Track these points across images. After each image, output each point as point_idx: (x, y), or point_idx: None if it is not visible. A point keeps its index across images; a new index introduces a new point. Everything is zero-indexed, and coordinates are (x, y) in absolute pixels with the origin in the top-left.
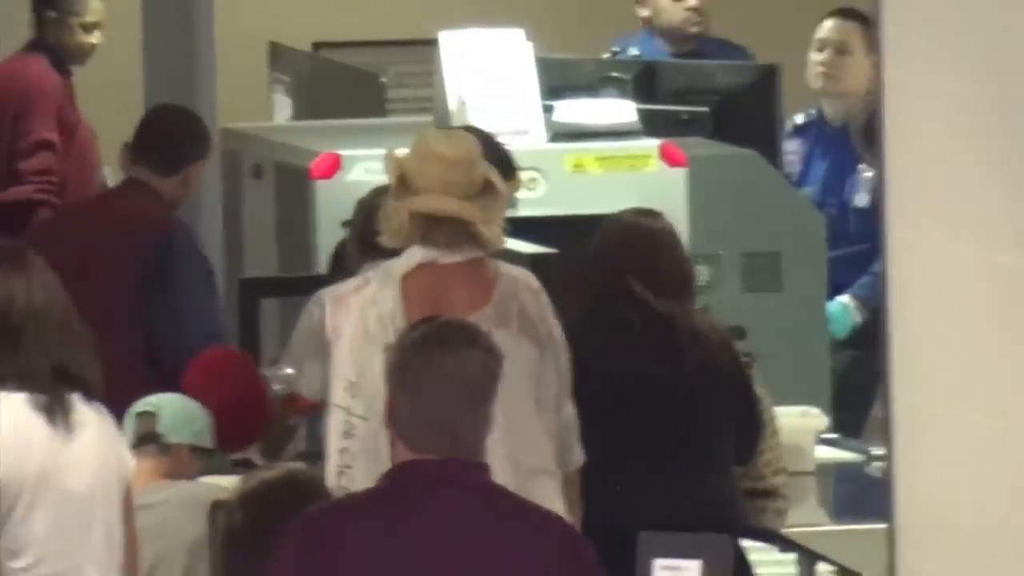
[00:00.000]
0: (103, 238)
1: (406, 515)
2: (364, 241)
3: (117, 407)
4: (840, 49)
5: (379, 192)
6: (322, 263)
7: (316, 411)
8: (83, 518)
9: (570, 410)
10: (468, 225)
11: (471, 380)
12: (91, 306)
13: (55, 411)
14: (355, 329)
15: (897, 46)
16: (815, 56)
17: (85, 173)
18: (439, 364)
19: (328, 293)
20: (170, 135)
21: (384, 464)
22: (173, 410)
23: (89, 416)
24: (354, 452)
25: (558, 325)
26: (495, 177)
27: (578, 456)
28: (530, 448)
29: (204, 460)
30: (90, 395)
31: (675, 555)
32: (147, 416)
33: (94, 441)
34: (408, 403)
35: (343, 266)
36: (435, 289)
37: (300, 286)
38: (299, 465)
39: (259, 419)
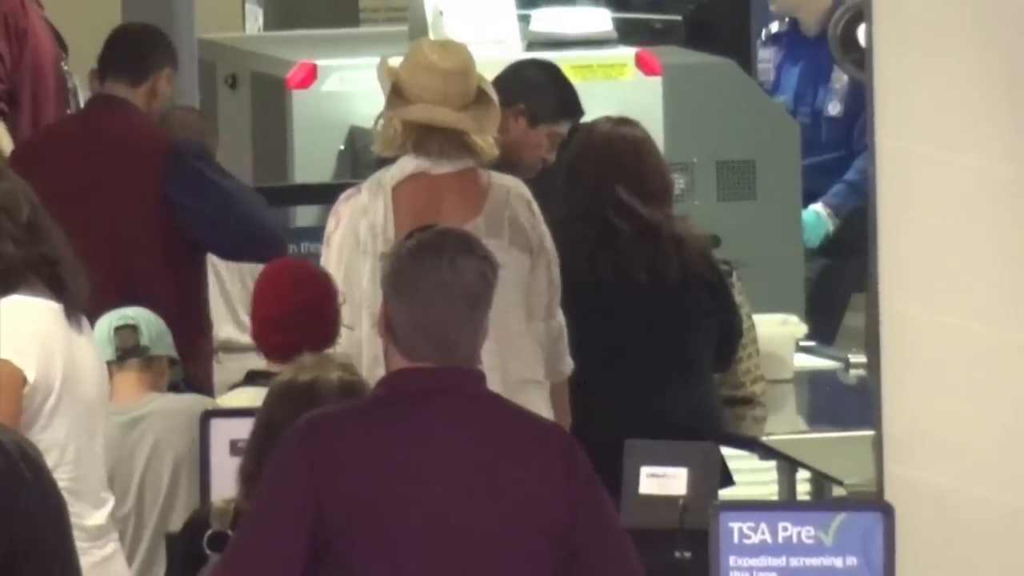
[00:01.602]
0: (99, 162)
1: (404, 422)
2: None
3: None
4: None
5: None
6: (299, 173)
7: None
8: (91, 425)
9: (560, 319)
10: (461, 135)
11: (467, 288)
12: (102, 228)
13: (72, 317)
14: (343, 237)
15: None
16: None
17: (40, 83)
18: (435, 272)
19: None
20: (134, 45)
21: (368, 373)
22: (151, 322)
23: (83, 325)
24: None
25: (548, 234)
26: (488, 87)
27: (567, 365)
28: (520, 357)
29: (173, 372)
30: (76, 305)
31: (661, 463)
32: (129, 329)
33: (93, 350)
34: (404, 311)
35: None
36: (426, 199)
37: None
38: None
39: (336, 316)
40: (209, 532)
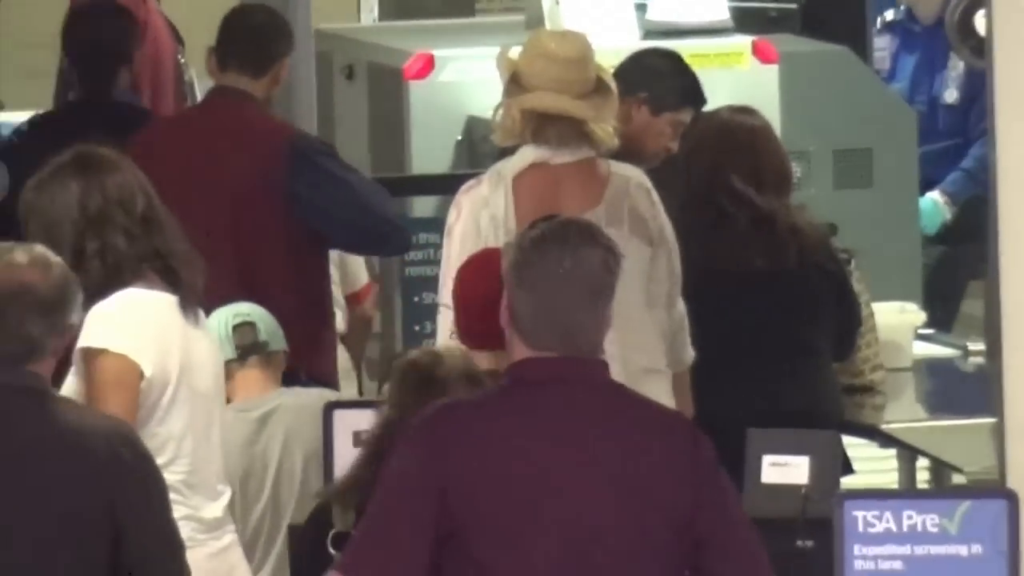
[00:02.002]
0: (220, 155)
1: (529, 411)
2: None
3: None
4: None
5: None
6: (416, 164)
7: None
8: (208, 419)
9: (681, 308)
10: (580, 124)
11: (590, 278)
12: (223, 222)
13: (187, 310)
14: (465, 228)
15: None
16: None
17: (159, 75)
18: (559, 262)
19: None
20: (255, 36)
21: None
22: (265, 318)
23: (201, 317)
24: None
25: (669, 223)
26: (607, 76)
27: (689, 354)
28: (641, 347)
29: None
30: (191, 298)
31: (783, 451)
32: (248, 327)
33: (209, 342)
34: (527, 301)
35: None
36: (546, 189)
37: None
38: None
39: None
40: (333, 532)
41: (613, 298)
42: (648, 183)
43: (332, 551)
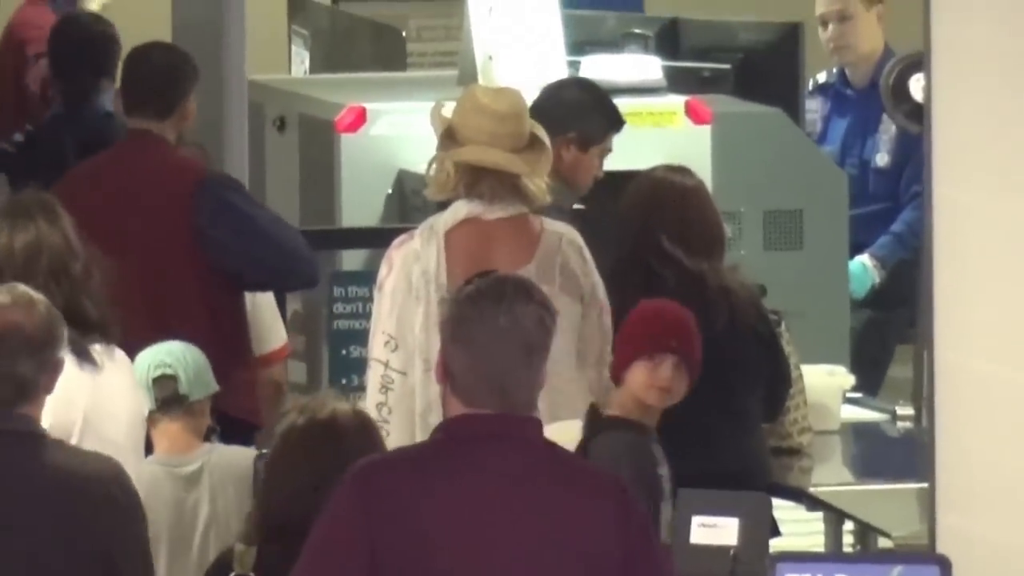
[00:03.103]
0: (130, 199)
1: (462, 468)
2: None
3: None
4: (841, 16)
5: None
6: (346, 217)
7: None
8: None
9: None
10: (514, 178)
11: (526, 335)
12: (134, 264)
13: (85, 356)
14: (396, 283)
15: (943, 5)
16: (821, 33)
17: None
18: (494, 319)
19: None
20: (155, 78)
21: (420, 420)
22: (188, 366)
23: (116, 361)
24: (391, 406)
25: (600, 282)
26: (541, 132)
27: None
28: (570, 404)
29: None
30: (109, 340)
31: (713, 512)
32: (167, 380)
33: (123, 388)
34: (462, 358)
35: None
36: (478, 245)
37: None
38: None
39: None
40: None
41: (548, 355)
42: (580, 241)
43: None
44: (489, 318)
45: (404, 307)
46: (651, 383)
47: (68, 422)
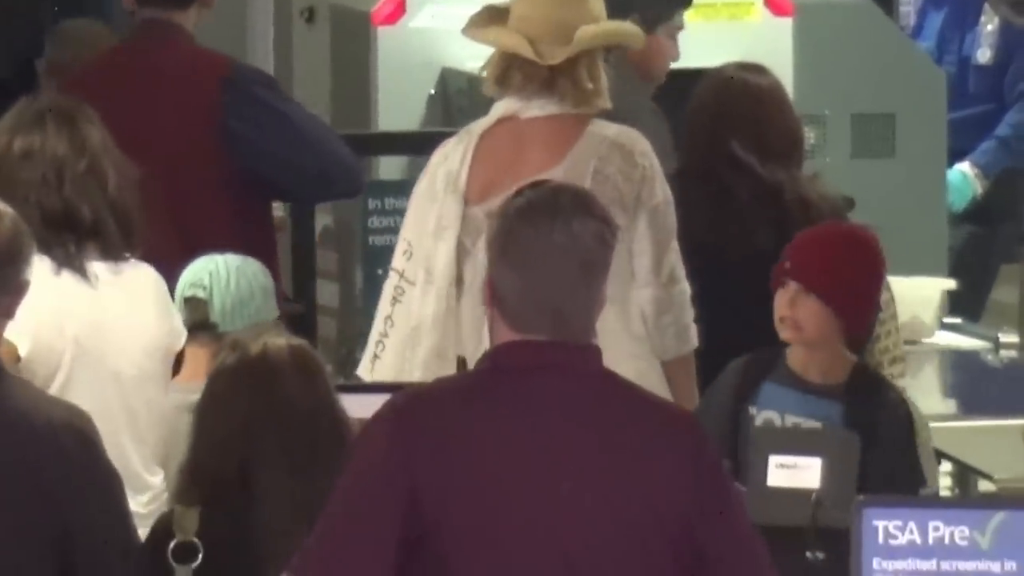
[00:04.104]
0: (151, 98)
1: (511, 402)
2: None
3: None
4: None
5: None
6: (383, 120)
7: None
8: (125, 401)
9: (684, 287)
10: (541, 71)
11: (585, 253)
12: (158, 167)
13: (80, 270)
14: (421, 187)
15: None
16: None
17: None
18: (549, 235)
19: None
20: None
21: (409, 338)
22: (229, 292)
23: (132, 277)
24: (395, 320)
25: (661, 186)
26: (607, 31)
27: (691, 339)
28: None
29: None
30: (130, 252)
31: (793, 452)
32: (198, 303)
33: (137, 308)
34: (513, 278)
35: None
36: (510, 146)
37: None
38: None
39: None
40: (174, 543)
41: (607, 275)
42: (637, 144)
43: (174, 563)
44: (543, 234)
45: (421, 210)
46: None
47: (54, 349)
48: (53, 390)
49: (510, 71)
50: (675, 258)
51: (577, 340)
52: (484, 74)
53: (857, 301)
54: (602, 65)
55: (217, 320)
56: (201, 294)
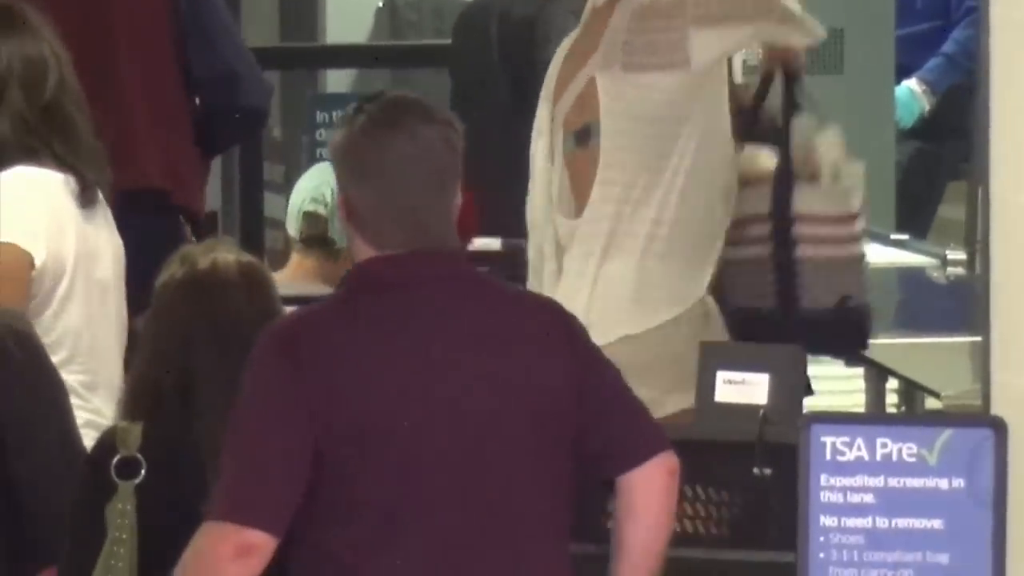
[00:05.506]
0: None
1: (390, 316)
2: None
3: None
4: None
5: None
6: (331, 32)
7: None
8: (107, 310)
9: None
10: None
11: (435, 160)
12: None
13: (85, 196)
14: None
15: None
16: None
17: None
18: (395, 146)
19: None
20: None
21: None
22: None
23: (102, 202)
24: None
25: None
26: None
27: None
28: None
29: None
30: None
31: (740, 368)
32: (317, 219)
33: (106, 224)
34: (367, 194)
35: None
36: None
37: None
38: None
39: None
40: (117, 458)
41: (459, 178)
42: None
43: (117, 479)
44: (389, 146)
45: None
46: None
47: (62, 258)
48: (57, 298)
49: None
50: None
51: (439, 247)
52: None
53: None
54: None
55: (336, 237)
56: (322, 211)
